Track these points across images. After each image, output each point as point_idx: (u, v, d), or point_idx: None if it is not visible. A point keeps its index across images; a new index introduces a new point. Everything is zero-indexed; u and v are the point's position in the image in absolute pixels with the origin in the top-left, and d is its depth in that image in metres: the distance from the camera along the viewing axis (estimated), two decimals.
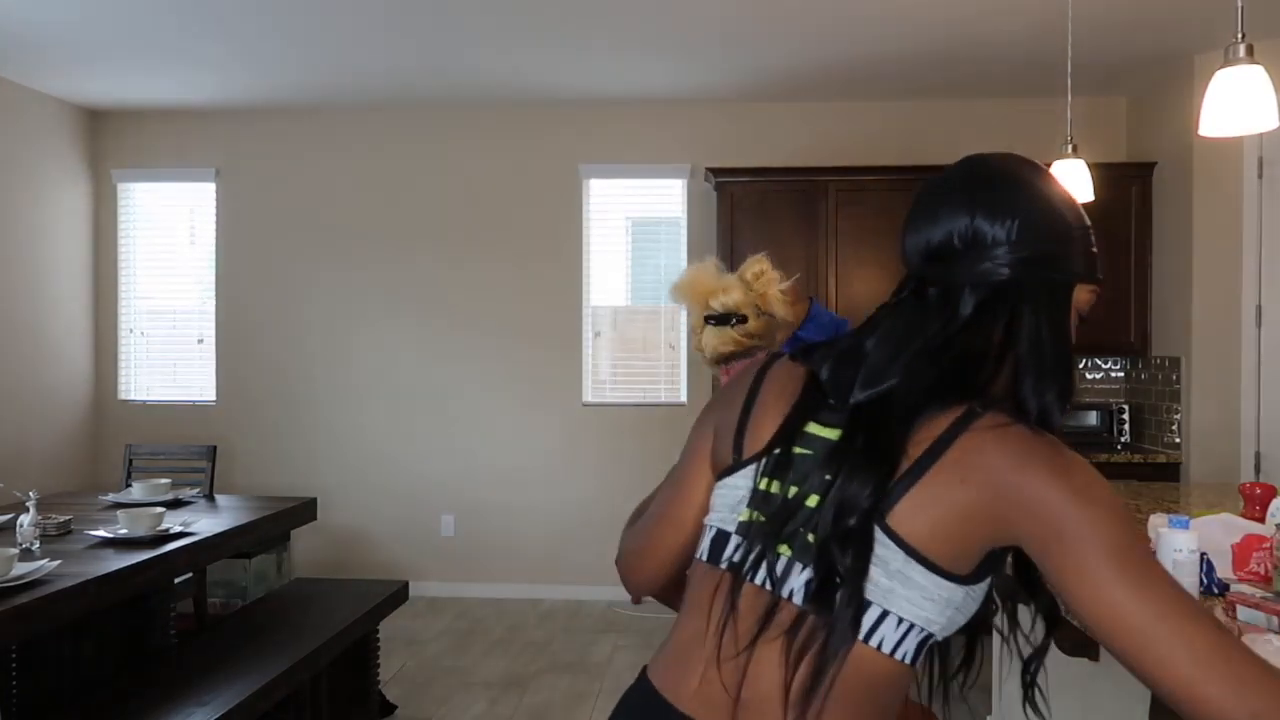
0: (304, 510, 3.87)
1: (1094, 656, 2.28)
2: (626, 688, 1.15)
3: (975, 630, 1.08)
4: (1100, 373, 5.37)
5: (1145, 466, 4.68)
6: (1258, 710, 0.86)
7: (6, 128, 5.06)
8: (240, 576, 4.61)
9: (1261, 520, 2.22)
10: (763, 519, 1.03)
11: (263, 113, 5.64)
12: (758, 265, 1.66)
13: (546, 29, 4.27)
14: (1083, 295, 1.09)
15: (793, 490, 1.03)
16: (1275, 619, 1.64)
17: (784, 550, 1.01)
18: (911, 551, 0.96)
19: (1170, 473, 4.66)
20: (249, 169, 5.70)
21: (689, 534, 1.18)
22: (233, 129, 5.67)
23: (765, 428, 1.09)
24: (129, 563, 2.72)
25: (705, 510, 1.14)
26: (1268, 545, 1.93)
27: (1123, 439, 5.07)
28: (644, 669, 1.14)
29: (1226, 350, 4.50)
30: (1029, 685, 1.07)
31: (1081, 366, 5.37)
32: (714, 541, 1.09)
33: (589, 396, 5.57)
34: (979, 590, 1.01)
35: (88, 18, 4.13)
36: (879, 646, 0.97)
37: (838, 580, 0.97)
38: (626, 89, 5.20)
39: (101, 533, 3.02)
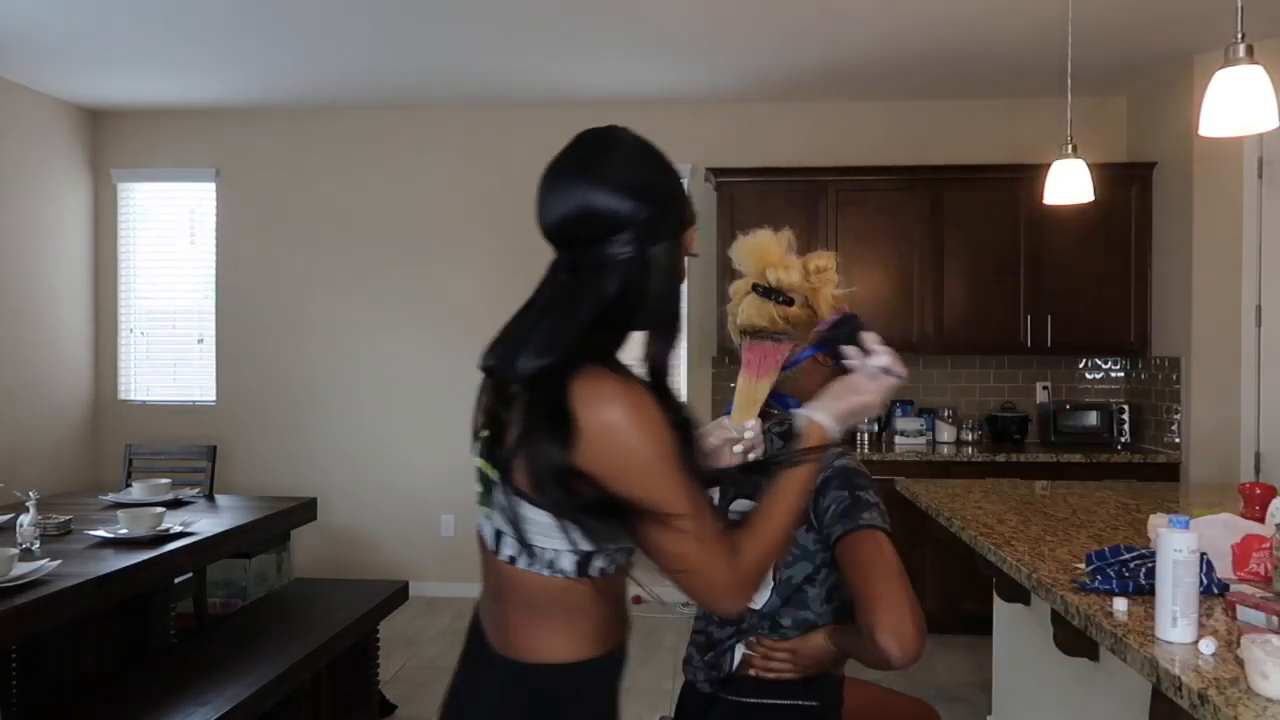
0: (304, 510, 3.87)
1: (1094, 656, 2.29)
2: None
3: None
4: (1100, 373, 5.37)
5: (1145, 466, 4.68)
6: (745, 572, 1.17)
7: (6, 128, 5.06)
8: (240, 576, 4.61)
9: (1261, 520, 2.22)
10: (478, 490, 1.26)
11: (263, 113, 5.64)
12: (823, 260, 1.65)
13: (546, 29, 4.27)
14: (689, 237, 1.28)
15: (488, 465, 1.24)
16: (1275, 619, 1.64)
17: (488, 513, 1.24)
18: (523, 495, 1.17)
19: (1170, 473, 4.66)
20: (249, 169, 5.70)
21: None
22: (233, 129, 5.67)
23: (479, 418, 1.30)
24: (129, 563, 2.73)
25: None
26: (1268, 545, 1.93)
27: (1123, 439, 5.07)
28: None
29: (1226, 350, 4.50)
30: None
31: (1081, 366, 5.37)
32: None
33: None
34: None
35: (88, 18, 4.13)
36: (537, 572, 1.20)
37: (521, 530, 1.19)
38: (627, 89, 5.20)
39: (101, 533, 3.02)
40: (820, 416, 1.32)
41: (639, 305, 1.22)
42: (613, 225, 1.20)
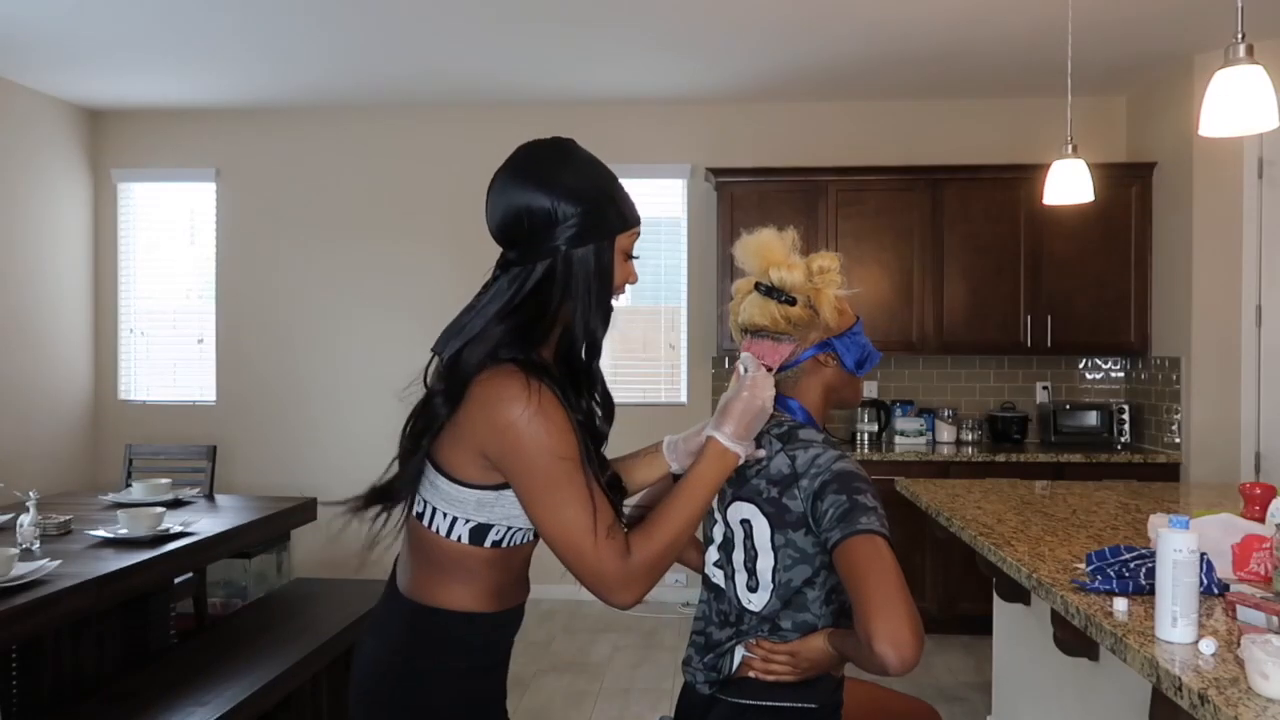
0: (304, 510, 3.87)
1: (1094, 656, 2.29)
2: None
3: None
4: (1100, 373, 5.37)
5: (1145, 466, 4.68)
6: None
7: (6, 128, 5.06)
8: (240, 576, 4.61)
9: (1261, 520, 2.22)
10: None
11: (263, 113, 5.64)
12: (827, 261, 1.66)
13: (546, 30, 4.27)
14: (625, 240, 1.39)
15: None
16: (1275, 619, 1.64)
17: None
18: (438, 467, 1.34)
19: (1170, 473, 4.66)
20: (249, 169, 5.70)
21: None
22: (233, 129, 5.67)
23: None
24: (129, 563, 2.72)
25: None
26: (1268, 545, 1.93)
27: (1123, 439, 5.07)
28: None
29: (1226, 350, 4.50)
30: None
31: (1081, 366, 5.37)
32: None
33: None
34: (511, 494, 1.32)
35: (88, 18, 4.13)
36: (437, 531, 1.35)
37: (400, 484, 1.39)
38: (626, 89, 5.20)
39: (101, 533, 3.02)
40: (713, 433, 1.43)
41: (562, 300, 1.33)
42: (540, 223, 1.31)
